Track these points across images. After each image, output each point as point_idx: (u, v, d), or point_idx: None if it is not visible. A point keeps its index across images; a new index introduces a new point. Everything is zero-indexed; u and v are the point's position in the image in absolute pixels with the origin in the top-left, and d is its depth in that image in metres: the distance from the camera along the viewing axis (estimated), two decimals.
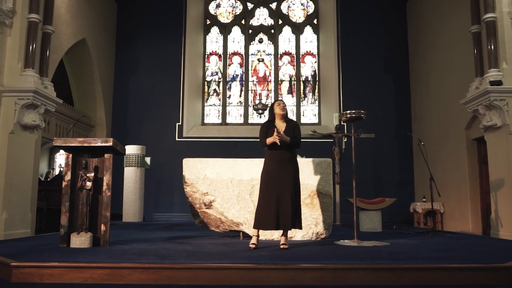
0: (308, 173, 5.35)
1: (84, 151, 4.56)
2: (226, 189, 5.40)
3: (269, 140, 4.58)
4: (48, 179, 10.87)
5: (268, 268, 3.33)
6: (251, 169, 5.37)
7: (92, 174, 4.47)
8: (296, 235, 5.27)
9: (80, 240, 4.33)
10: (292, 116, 11.50)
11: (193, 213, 5.61)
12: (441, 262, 3.50)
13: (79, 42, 9.56)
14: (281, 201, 4.44)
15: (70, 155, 4.53)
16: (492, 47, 6.90)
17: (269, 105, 4.88)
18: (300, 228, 4.57)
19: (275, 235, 5.24)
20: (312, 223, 5.29)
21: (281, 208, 4.43)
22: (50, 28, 7.16)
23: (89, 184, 4.44)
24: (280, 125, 4.71)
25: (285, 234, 4.52)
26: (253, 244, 4.43)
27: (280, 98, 4.78)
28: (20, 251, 4.08)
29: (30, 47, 6.69)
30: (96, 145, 4.40)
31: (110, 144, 4.38)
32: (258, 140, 4.76)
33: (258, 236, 4.54)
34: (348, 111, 5.02)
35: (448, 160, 9.14)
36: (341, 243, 4.84)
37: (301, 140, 4.73)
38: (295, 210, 4.49)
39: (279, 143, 4.50)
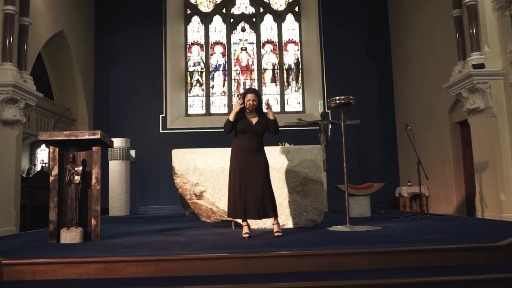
0: (299, 161, 5.34)
1: (71, 144, 4.44)
2: (217, 179, 5.36)
3: (232, 113, 4.50)
4: (30, 176, 10.63)
5: (266, 256, 3.32)
6: None
7: (80, 168, 4.37)
8: (288, 222, 5.27)
9: (70, 236, 4.24)
10: (276, 104, 11.49)
11: (183, 204, 5.55)
12: (435, 243, 3.54)
13: (57, 34, 9.31)
14: (252, 191, 4.38)
15: (57, 149, 4.41)
16: (474, 30, 6.98)
17: (242, 94, 4.74)
18: (276, 216, 4.49)
19: (267, 223, 5.23)
20: (304, 210, 5.29)
21: (252, 198, 4.37)
22: (27, 20, 6.94)
23: (77, 178, 4.34)
24: (251, 117, 4.62)
25: (277, 222, 4.50)
26: (246, 233, 4.40)
27: (253, 89, 4.60)
28: (8, 249, 3.97)
29: (7, 40, 6.47)
30: (84, 138, 4.29)
31: (98, 136, 4.28)
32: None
33: (248, 225, 4.51)
34: (337, 97, 5.00)
35: (432, 144, 9.27)
36: (334, 229, 4.85)
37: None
38: (269, 198, 4.43)
39: (247, 109, 4.49)
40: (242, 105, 4.56)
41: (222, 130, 4.66)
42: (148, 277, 3.20)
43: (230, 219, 5.34)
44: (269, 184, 4.52)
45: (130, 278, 3.19)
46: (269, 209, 4.41)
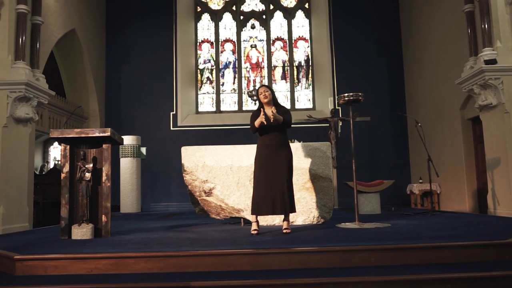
0: (308, 157, 5.34)
1: (82, 142, 4.50)
2: (226, 176, 5.38)
3: (257, 122, 4.54)
4: (43, 173, 10.78)
5: (274, 252, 3.32)
6: (250, 155, 5.32)
7: (91, 165, 4.42)
8: (297, 219, 5.28)
9: (81, 232, 4.30)
10: (286, 101, 11.48)
11: (193, 201, 5.58)
12: (445, 240, 3.51)
13: (69, 33, 9.40)
14: (276, 186, 4.42)
15: (68, 147, 4.47)
16: (486, 26, 6.89)
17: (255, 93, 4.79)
18: (294, 211, 4.56)
19: (276, 220, 5.25)
20: (312, 207, 5.29)
21: (277, 193, 4.41)
22: (39, 19, 7.04)
23: (88, 175, 4.39)
24: (269, 111, 4.65)
25: (287, 219, 4.51)
26: (254, 230, 4.42)
27: (263, 84, 4.63)
28: (21, 245, 4.04)
29: (20, 39, 6.57)
30: (94, 135, 4.34)
31: (108, 134, 4.32)
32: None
33: (257, 222, 4.53)
34: (346, 94, 4.99)
35: (444, 141, 9.18)
36: (343, 226, 4.85)
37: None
38: (290, 193, 4.48)
39: (265, 122, 4.46)
40: (265, 121, 4.53)
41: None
42: (157, 273, 3.23)
43: (241, 216, 5.37)
44: (290, 178, 4.55)
45: (139, 274, 3.22)
46: (288, 204, 4.44)
